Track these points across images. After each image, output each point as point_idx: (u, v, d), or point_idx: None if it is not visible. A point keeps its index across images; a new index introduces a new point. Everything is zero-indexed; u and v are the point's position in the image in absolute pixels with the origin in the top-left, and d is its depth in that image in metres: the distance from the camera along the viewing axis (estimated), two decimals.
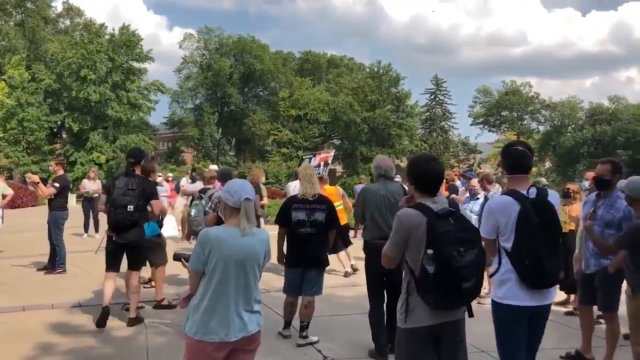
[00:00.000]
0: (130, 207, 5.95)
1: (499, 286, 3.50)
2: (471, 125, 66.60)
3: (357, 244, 13.97)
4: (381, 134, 52.44)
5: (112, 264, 6.22)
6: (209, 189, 6.91)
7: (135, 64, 46.23)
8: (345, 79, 55.03)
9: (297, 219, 5.62)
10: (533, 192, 3.41)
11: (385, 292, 5.28)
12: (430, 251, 2.96)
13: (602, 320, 5.89)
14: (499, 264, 3.49)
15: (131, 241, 6.12)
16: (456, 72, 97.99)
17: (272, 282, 7.79)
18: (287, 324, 5.88)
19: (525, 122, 65.13)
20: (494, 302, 3.54)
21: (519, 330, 3.45)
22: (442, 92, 61.54)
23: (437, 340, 3.14)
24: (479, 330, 5.58)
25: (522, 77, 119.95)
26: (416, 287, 3.07)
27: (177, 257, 4.28)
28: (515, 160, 3.53)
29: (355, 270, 9.23)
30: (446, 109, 61.77)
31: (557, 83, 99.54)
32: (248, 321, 3.04)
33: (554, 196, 3.57)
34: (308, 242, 5.60)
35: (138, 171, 6.32)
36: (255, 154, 55.47)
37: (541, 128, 65.12)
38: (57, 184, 9.00)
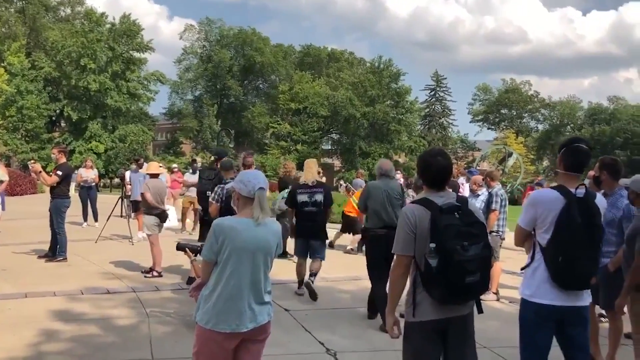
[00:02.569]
0: (209, 193, 7.23)
1: (528, 283, 3.41)
2: (470, 122, 66.98)
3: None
4: (380, 130, 52.46)
5: None
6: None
7: (136, 54, 46.10)
8: (345, 73, 54.98)
9: (301, 201, 7.04)
10: (581, 192, 3.31)
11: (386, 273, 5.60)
12: (432, 245, 2.94)
13: (603, 319, 5.95)
14: (532, 258, 3.43)
15: (212, 218, 7.56)
16: (456, 69, 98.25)
17: (273, 274, 7.81)
18: (300, 283, 7.18)
19: (524, 120, 65.28)
20: (522, 300, 3.46)
21: (545, 331, 3.37)
22: (442, 89, 61.61)
23: (444, 335, 3.11)
24: (482, 326, 5.63)
25: (521, 75, 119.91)
26: (422, 281, 3.05)
27: (180, 247, 4.32)
28: (579, 158, 3.42)
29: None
30: (446, 106, 61.86)
31: (556, 82, 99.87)
32: (259, 312, 3.06)
33: (601, 200, 3.49)
34: (311, 219, 7.02)
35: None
36: (253, 147, 55.42)
37: (540, 127, 65.34)
38: (59, 172, 8.96)
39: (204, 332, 2.98)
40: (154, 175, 8.50)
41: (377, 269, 5.92)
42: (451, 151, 60.27)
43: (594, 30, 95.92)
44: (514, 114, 64.66)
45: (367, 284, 7.98)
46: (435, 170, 3.16)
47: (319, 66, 59.17)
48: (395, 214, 5.89)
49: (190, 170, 13.79)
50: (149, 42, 46.48)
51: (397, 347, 3.85)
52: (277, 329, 5.66)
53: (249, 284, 3.02)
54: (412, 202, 3.23)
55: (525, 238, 3.50)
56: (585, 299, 3.39)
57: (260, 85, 60.09)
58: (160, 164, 12.84)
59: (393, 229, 3.23)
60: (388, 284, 3.26)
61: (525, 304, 3.41)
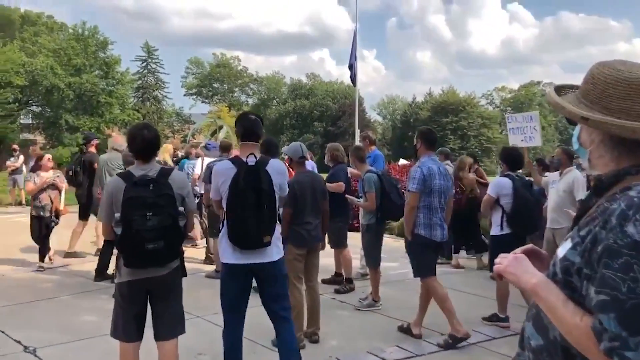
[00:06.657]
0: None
1: (220, 246, 3.82)
2: (185, 95, 67.06)
3: None
4: (89, 102, 48.63)
5: None
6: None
7: None
8: (44, 38, 49.32)
9: None
10: (252, 160, 3.64)
11: None
12: (117, 215, 3.18)
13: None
14: (222, 224, 3.79)
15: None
16: (168, 41, 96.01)
17: None
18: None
19: (235, 94, 68.10)
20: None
21: (234, 285, 3.76)
22: (154, 61, 60.01)
23: (150, 294, 3.40)
24: (194, 296, 5.84)
25: (231, 50, 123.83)
26: None
27: None
28: (247, 127, 3.79)
29: None
30: (159, 78, 60.53)
31: (261, 59, 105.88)
32: None
33: (277, 165, 3.83)
34: None
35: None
36: None
37: (250, 101, 68.98)
38: None
39: None
40: None
41: None
42: (167, 124, 59.57)
43: (294, 13, 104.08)
44: (226, 88, 66.88)
45: (74, 270, 7.61)
46: (140, 141, 3.35)
47: (10, 29, 51.67)
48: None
49: None
50: None
51: (103, 333, 3.76)
52: None
53: None
54: (117, 175, 3.44)
55: (219, 206, 3.85)
56: (271, 255, 3.71)
57: None
58: None
59: None
60: None
61: (222, 264, 3.86)
